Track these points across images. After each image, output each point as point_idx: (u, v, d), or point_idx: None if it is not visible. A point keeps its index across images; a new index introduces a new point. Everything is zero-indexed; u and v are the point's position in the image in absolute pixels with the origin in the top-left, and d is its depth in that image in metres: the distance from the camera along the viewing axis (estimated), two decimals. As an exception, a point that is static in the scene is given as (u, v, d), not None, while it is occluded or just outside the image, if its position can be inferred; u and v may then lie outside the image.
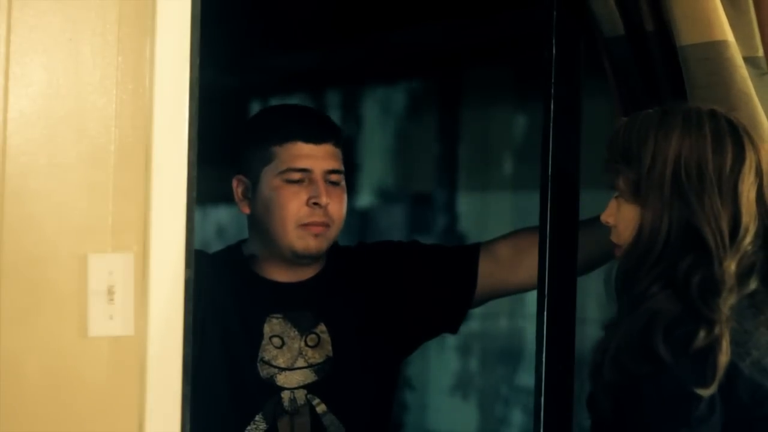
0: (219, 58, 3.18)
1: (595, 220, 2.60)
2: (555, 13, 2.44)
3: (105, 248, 1.94)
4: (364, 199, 5.64)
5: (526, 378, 4.85)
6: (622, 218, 2.13)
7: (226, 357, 2.60)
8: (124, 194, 1.95)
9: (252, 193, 2.63)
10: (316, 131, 2.62)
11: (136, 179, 1.96)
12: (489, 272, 2.70)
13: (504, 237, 2.76)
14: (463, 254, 2.73)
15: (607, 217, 2.16)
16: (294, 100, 4.96)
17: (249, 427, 2.59)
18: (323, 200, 2.57)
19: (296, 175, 2.58)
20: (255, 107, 5.82)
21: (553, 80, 2.44)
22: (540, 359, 2.44)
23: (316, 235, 2.58)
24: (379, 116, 5.61)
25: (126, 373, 1.96)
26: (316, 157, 2.59)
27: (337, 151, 2.63)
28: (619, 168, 2.12)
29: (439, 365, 5.43)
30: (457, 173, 5.46)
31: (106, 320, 1.94)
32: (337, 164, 2.62)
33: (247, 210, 2.64)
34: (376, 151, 5.57)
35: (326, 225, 2.59)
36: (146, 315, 1.96)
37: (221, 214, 5.68)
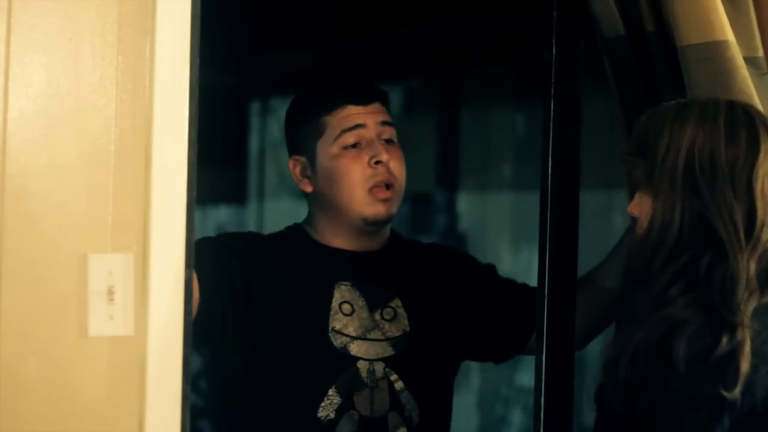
0: (219, 58, 3.18)
1: (587, 278, 2.59)
2: (555, 13, 2.44)
3: (105, 248, 1.94)
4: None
5: (526, 378, 4.85)
6: (643, 210, 2.12)
7: (296, 332, 2.56)
8: (124, 194, 1.95)
9: (311, 170, 2.61)
10: (364, 93, 2.63)
11: (136, 179, 1.96)
12: None
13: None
14: (529, 296, 2.68)
15: (632, 208, 2.15)
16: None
17: (323, 404, 2.54)
18: (384, 157, 2.57)
19: (351, 138, 2.58)
20: (255, 107, 5.82)
21: (553, 80, 2.44)
22: (540, 359, 2.44)
23: (385, 200, 2.58)
24: (378, 116, 5.60)
25: (126, 373, 1.96)
26: (366, 114, 2.60)
27: (386, 110, 2.64)
28: (636, 159, 2.11)
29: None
30: (457, 173, 5.46)
31: (106, 320, 1.94)
32: (388, 117, 2.63)
33: (309, 188, 2.63)
34: (376, 151, 5.56)
35: (391, 185, 2.58)
36: (146, 315, 1.96)
37: (221, 214, 5.68)
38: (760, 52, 2.34)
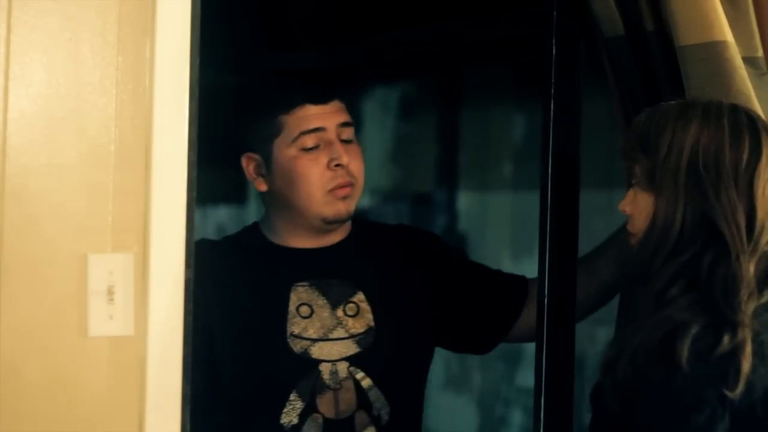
0: (219, 58, 3.18)
1: (592, 255, 2.60)
2: (555, 13, 2.44)
3: (105, 248, 1.94)
4: (364, 199, 5.64)
5: (526, 378, 4.85)
6: (637, 207, 2.12)
7: (254, 342, 2.51)
8: (124, 194, 1.95)
9: (266, 168, 2.54)
10: (322, 91, 2.55)
11: (136, 179, 1.96)
12: (530, 313, 2.60)
13: None
14: (511, 285, 2.66)
15: (624, 205, 2.15)
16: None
17: (285, 410, 2.49)
18: (344, 160, 2.50)
19: (310, 140, 2.50)
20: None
21: (553, 80, 2.44)
22: (540, 359, 2.44)
23: (344, 198, 2.52)
24: (378, 116, 5.61)
25: (126, 373, 1.96)
26: (325, 114, 2.53)
27: (345, 107, 2.57)
28: (636, 156, 2.11)
29: (438, 365, 5.43)
30: (457, 173, 5.46)
31: (106, 320, 1.94)
32: (347, 117, 2.56)
33: (263, 187, 2.56)
34: (376, 151, 5.57)
35: (351, 185, 2.52)
36: (146, 315, 1.96)
37: (221, 214, 5.68)
38: (760, 52, 2.34)
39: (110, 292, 1.94)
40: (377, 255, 2.62)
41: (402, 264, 2.62)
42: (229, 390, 2.52)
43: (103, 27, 1.94)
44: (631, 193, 2.14)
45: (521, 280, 2.67)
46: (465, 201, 5.43)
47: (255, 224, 2.63)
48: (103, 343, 1.94)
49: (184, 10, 1.98)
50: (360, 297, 2.55)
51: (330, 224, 2.55)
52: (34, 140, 1.91)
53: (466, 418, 5.29)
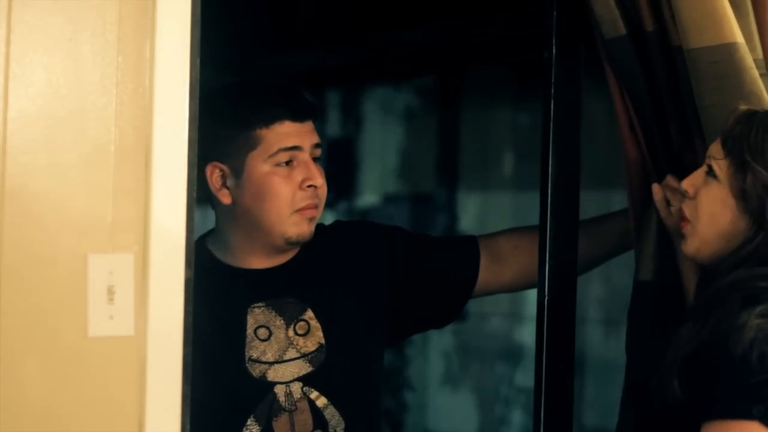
0: (219, 58, 3.18)
1: (601, 218, 2.61)
2: (555, 13, 2.45)
3: (105, 248, 1.94)
4: (365, 199, 5.64)
5: (526, 378, 4.86)
6: (708, 198, 2.12)
7: (212, 370, 2.44)
8: (124, 194, 1.95)
9: (233, 180, 2.48)
10: (302, 108, 2.51)
11: (136, 179, 1.96)
12: (486, 267, 2.63)
13: (501, 233, 2.70)
14: (463, 247, 2.65)
15: (689, 186, 2.15)
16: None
17: None
18: (319, 182, 2.47)
19: (286, 156, 2.45)
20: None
21: (553, 80, 2.45)
22: (540, 359, 2.44)
23: (310, 219, 2.48)
24: (379, 116, 5.62)
25: (126, 373, 1.96)
26: (302, 133, 2.49)
27: (315, 129, 2.53)
28: (744, 161, 2.08)
29: (439, 365, 5.44)
30: (457, 173, 5.46)
31: (106, 320, 1.94)
32: (318, 138, 2.52)
33: (228, 200, 2.49)
34: (377, 150, 5.57)
35: (317, 206, 2.49)
36: (146, 315, 1.96)
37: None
38: (759, 54, 2.33)
39: (110, 292, 1.94)
40: (326, 265, 2.58)
41: (351, 264, 2.59)
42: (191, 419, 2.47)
43: (103, 27, 1.94)
44: (700, 175, 2.13)
45: (471, 239, 2.67)
46: (465, 201, 5.43)
47: (202, 244, 2.56)
48: (103, 343, 1.94)
49: (184, 10, 1.99)
50: (309, 314, 2.52)
51: (291, 244, 2.51)
52: (34, 140, 1.91)
53: (466, 418, 5.29)
